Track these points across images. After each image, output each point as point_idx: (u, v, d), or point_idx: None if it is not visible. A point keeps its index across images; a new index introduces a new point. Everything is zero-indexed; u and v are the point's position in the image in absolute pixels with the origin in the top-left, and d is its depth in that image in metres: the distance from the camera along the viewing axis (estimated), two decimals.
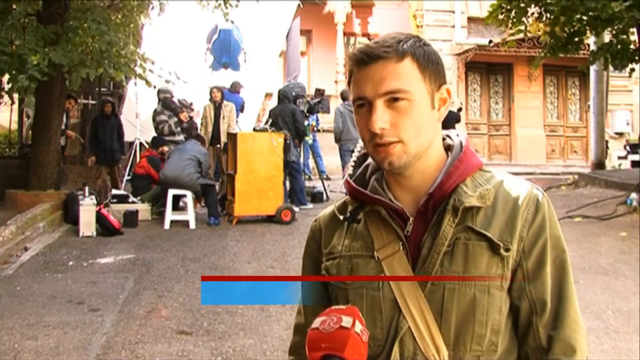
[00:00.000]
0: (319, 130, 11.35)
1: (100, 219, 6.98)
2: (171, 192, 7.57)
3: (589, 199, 8.57)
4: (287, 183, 8.67)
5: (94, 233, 6.92)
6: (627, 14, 7.37)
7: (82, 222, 6.93)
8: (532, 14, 8.93)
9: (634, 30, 8.43)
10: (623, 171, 11.73)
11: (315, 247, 1.22)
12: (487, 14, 9.05)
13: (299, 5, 12.72)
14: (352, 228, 1.14)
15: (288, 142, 7.99)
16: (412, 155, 1.06)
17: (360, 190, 1.13)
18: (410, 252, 1.07)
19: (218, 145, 8.92)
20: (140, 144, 10.57)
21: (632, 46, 8.46)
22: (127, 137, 10.14)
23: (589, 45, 10.45)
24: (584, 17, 8.28)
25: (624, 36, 8.38)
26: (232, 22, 9.63)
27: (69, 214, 7.51)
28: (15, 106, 10.74)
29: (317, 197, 9.38)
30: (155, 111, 9.34)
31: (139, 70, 8.51)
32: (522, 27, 8.94)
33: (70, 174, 9.70)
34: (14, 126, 11.16)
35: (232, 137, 8.10)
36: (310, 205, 8.85)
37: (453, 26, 15.27)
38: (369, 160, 1.19)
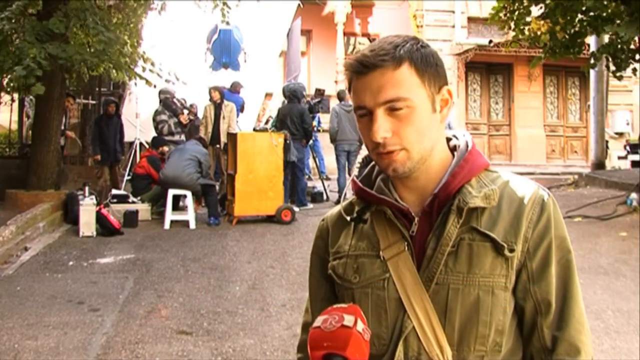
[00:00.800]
0: (319, 130, 11.35)
1: (100, 219, 6.98)
2: (171, 192, 7.57)
3: (589, 199, 8.57)
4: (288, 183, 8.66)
5: (94, 233, 6.92)
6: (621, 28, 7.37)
7: (82, 222, 6.92)
8: (530, 12, 8.92)
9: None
10: (623, 171, 11.73)
11: (322, 246, 1.23)
12: (489, 15, 9.04)
13: (299, 5, 12.71)
14: (359, 228, 1.15)
15: (288, 142, 7.99)
16: (415, 160, 1.06)
17: (366, 191, 1.14)
18: (415, 252, 1.08)
19: (218, 145, 8.92)
20: (140, 144, 10.58)
21: (632, 46, 8.45)
22: (127, 137, 10.16)
23: (589, 45, 10.45)
24: (585, 18, 8.27)
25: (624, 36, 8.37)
26: (227, 23, 9.61)
27: (69, 214, 7.51)
28: (16, 106, 10.74)
29: (317, 197, 9.39)
30: (156, 111, 9.36)
31: (139, 70, 8.51)
32: (524, 28, 8.93)
33: (70, 174, 9.70)
34: (14, 126, 11.15)
35: (232, 137, 8.10)
36: (310, 206, 8.85)
37: (453, 26, 15.27)
38: None
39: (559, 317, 1.06)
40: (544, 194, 1.09)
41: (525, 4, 8.64)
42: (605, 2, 7.73)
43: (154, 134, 9.51)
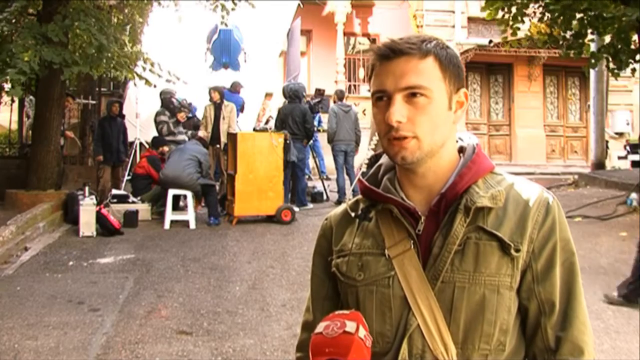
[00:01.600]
0: (319, 130, 11.35)
1: (100, 219, 6.98)
2: (171, 192, 7.56)
3: (589, 199, 8.58)
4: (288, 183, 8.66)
5: (94, 233, 6.92)
6: (627, 15, 7.36)
7: (82, 222, 6.92)
8: (534, 12, 8.91)
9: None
10: (623, 171, 11.73)
11: (325, 245, 1.23)
12: (484, 6, 8.96)
13: (299, 5, 12.70)
14: (363, 226, 1.16)
15: (288, 142, 7.99)
16: (425, 152, 1.07)
17: (372, 189, 1.15)
18: (421, 250, 1.08)
19: (218, 146, 8.92)
20: (140, 144, 10.58)
21: (632, 46, 8.45)
22: (128, 137, 10.14)
23: (589, 45, 10.44)
24: (585, 17, 8.26)
25: (624, 36, 8.37)
26: (225, 24, 9.59)
27: (69, 214, 7.50)
28: (16, 106, 10.74)
29: (317, 197, 9.38)
30: (157, 112, 9.37)
31: (139, 70, 8.51)
32: (521, 25, 8.90)
33: (70, 174, 9.69)
34: (14, 126, 11.15)
35: (232, 137, 8.10)
36: (310, 206, 8.84)
37: (453, 26, 15.28)
38: (382, 160, 1.21)
39: (562, 318, 1.07)
40: (549, 196, 1.11)
41: (525, 1, 8.61)
42: (605, 2, 7.72)
43: (154, 134, 9.50)
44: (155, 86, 8.70)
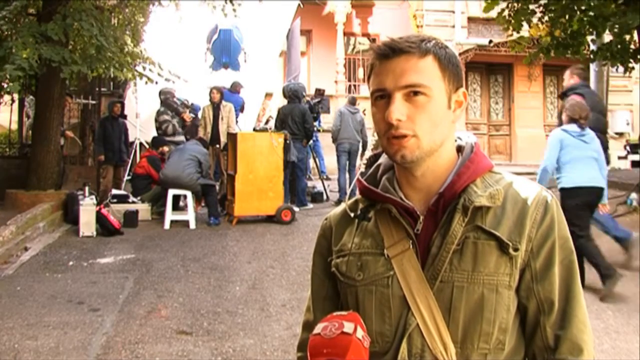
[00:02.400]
0: (319, 130, 11.34)
1: (100, 219, 6.98)
2: (171, 192, 7.57)
3: None
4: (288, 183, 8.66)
5: (94, 233, 6.92)
6: (627, 16, 7.35)
7: (82, 222, 6.92)
8: (534, 12, 8.89)
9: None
10: (623, 171, 11.73)
11: (325, 245, 1.23)
12: (487, 4, 8.93)
13: (299, 5, 12.70)
14: (363, 226, 1.16)
15: (288, 142, 7.99)
16: (424, 150, 1.07)
17: (371, 189, 1.15)
18: (420, 250, 1.09)
19: (217, 146, 8.92)
20: (140, 144, 10.58)
21: (632, 46, 8.45)
22: (129, 137, 10.14)
23: (589, 45, 10.44)
24: (585, 17, 8.26)
25: (624, 35, 8.36)
26: (225, 15, 9.56)
27: (69, 214, 7.51)
28: (16, 106, 10.74)
29: (317, 197, 9.38)
30: (158, 111, 9.36)
31: (139, 69, 8.51)
32: (523, 26, 8.89)
33: (70, 174, 9.70)
34: (14, 126, 11.15)
35: (232, 137, 8.10)
36: (310, 206, 8.85)
37: (453, 26, 15.27)
38: (381, 160, 1.21)
39: (561, 317, 1.07)
40: (547, 195, 1.11)
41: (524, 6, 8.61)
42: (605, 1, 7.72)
43: (154, 134, 9.50)
44: (156, 83, 8.70)
